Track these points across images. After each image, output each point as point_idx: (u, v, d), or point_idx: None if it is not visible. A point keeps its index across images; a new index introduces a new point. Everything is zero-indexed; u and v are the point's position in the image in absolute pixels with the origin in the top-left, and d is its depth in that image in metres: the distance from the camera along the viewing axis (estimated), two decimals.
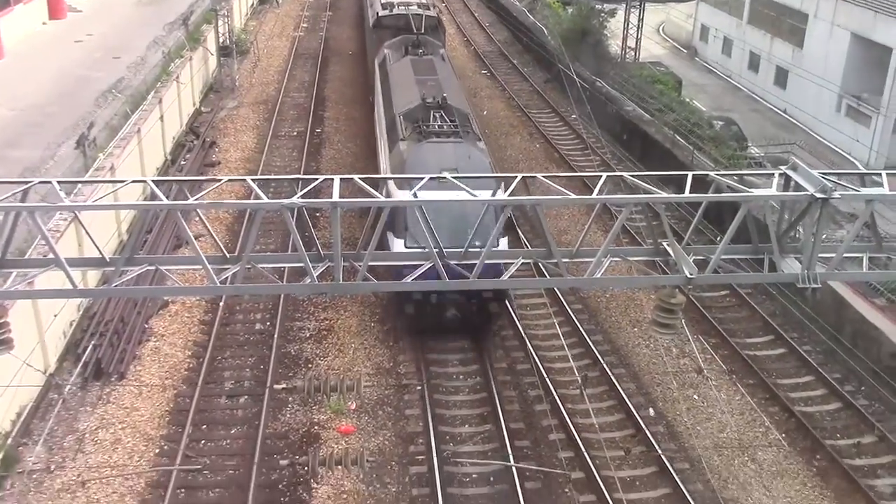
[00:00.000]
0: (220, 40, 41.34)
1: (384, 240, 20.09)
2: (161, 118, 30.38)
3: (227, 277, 8.41)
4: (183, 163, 31.51)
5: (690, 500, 16.92)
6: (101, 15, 39.37)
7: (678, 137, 31.99)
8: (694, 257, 9.16)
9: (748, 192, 9.17)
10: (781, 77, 39.04)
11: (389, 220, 18.43)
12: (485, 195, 11.26)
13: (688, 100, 36.60)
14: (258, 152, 33.70)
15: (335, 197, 8.15)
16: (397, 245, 19.50)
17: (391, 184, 17.93)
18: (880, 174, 9.82)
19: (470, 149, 21.75)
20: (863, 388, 20.83)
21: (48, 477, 16.92)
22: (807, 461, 18.43)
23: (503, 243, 19.27)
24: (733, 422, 19.57)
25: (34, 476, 16.87)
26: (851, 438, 19.12)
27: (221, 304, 22.90)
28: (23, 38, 33.79)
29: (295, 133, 36.11)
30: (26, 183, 8.26)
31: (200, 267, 8.59)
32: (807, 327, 22.89)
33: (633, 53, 41.19)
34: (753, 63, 41.73)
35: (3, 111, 26.76)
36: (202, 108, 37.64)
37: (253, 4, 56.71)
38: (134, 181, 8.28)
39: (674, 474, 17.62)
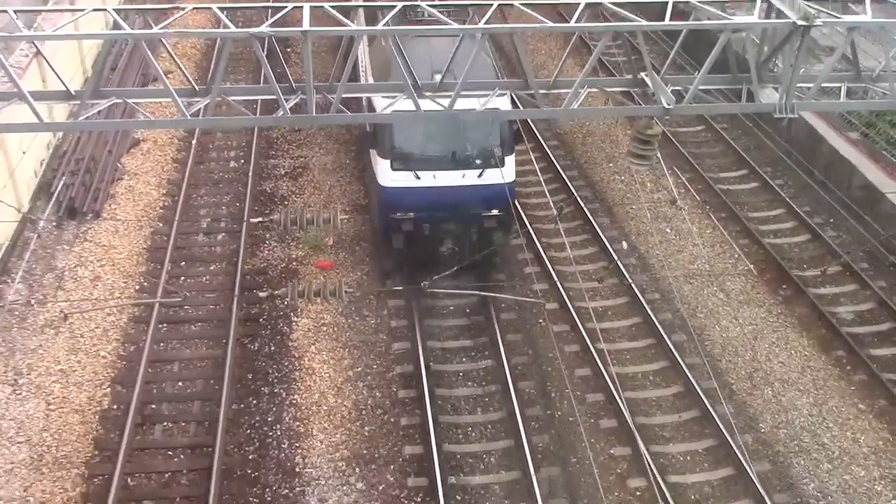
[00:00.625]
0: None
1: (367, 156, 18.67)
2: None
3: (197, 110, 8.23)
4: None
5: (660, 328, 17.50)
6: None
7: None
8: (672, 88, 9.05)
9: (729, 19, 8.95)
10: None
11: (373, 137, 17.41)
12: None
13: None
14: None
15: (305, 25, 7.88)
16: (382, 166, 17.15)
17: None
18: (863, 1, 9.60)
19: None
20: (832, 220, 21.24)
21: (31, 313, 17.15)
22: (773, 290, 19.00)
23: (510, 162, 17.39)
24: (704, 253, 20.00)
25: (16, 312, 17.09)
26: (817, 269, 19.66)
27: (194, 141, 22.63)
28: None
29: None
30: None
31: (170, 100, 8.39)
32: (780, 162, 23.05)
33: None
34: None
35: None
36: None
37: None
38: (95, 10, 7.93)
39: (644, 304, 18.14)
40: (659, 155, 9.94)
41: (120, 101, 8.46)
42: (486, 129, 16.86)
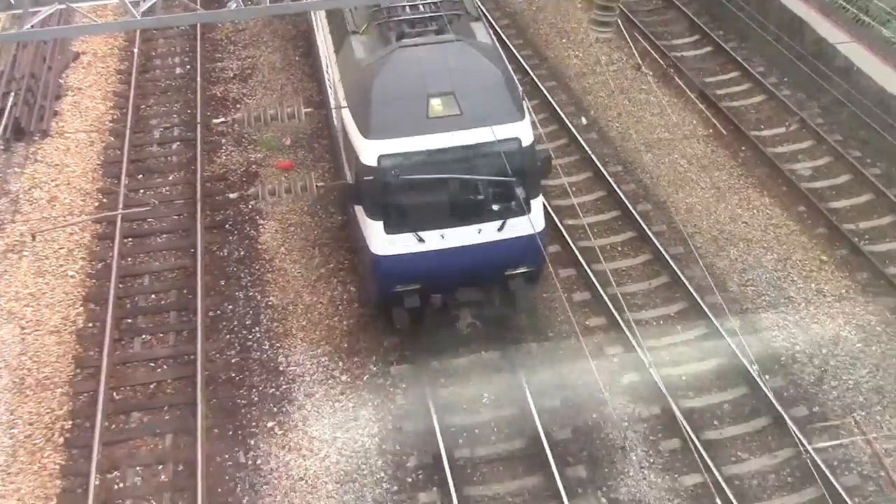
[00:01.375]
0: None
1: (350, 210, 14.51)
2: None
3: (147, 9, 7.91)
4: None
5: (624, 198, 17.67)
6: None
7: None
8: None
9: None
10: None
11: (356, 191, 13.40)
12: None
13: None
14: None
15: None
16: (373, 229, 13.22)
17: (347, 118, 13.19)
18: None
19: (469, 51, 13.76)
20: (786, 78, 21.34)
21: None
22: (733, 153, 19.21)
23: (537, 206, 13.56)
24: (663, 122, 20.07)
25: None
26: (774, 128, 19.85)
27: (136, 49, 21.87)
28: None
29: None
30: None
31: (111, 2, 8.05)
32: (732, 24, 22.93)
33: None
34: None
35: None
36: None
37: None
38: None
39: (608, 177, 18.25)
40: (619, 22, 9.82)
41: (63, 6, 8.08)
42: (504, 163, 12.71)
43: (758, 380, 14.04)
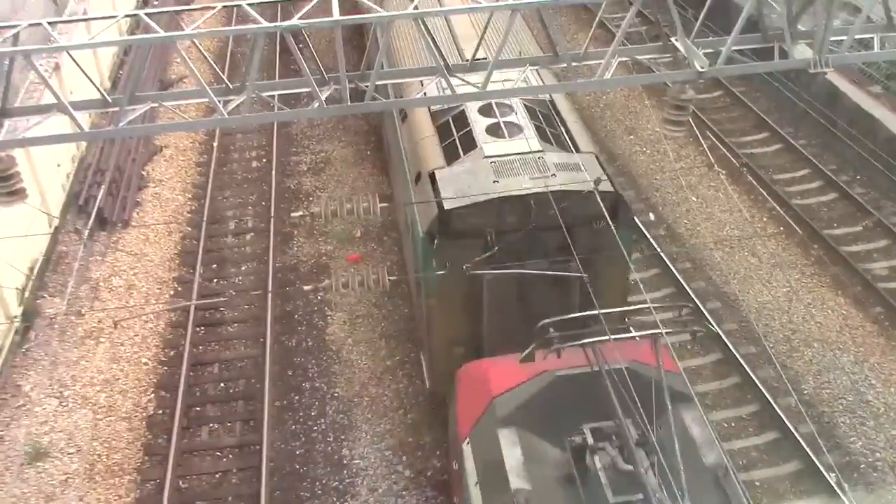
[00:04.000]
0: None
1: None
2: None
3: (233, 108, 8.28)
4: (156, 2, 30.30)
5: (693, 296, 17.45)
6: None
7: None
8: (703, 51, 8.99)
9: None
10: None
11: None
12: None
13: None
14: None
15: (335, 15, 7.90)
16: None
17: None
18: None
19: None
20: (858, 177, 21.08)
21: (70, 325, 17.32)
22: (804, 251, 18.90)
23: None
24: (732, 219, 19.92)
25: (56, 325, 17.25)
26: (848, 227, 19.53)
27: (216, 143, 22.72)
28: None
29: None
30: (13, 27, 7.95)
31: (205, 100, 8.43)
32: (802, 121, 22.87)
33: None
34: None
35: None
36: None
37: None
38: (125, 16, 7.98)
39: (676, 274, 18.08)
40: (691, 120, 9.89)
41: (156, 104, 8.50)
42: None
43: (835, 488, 13.48)
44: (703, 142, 21.02)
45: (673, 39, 8.95)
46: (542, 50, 15.45)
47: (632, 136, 23.14)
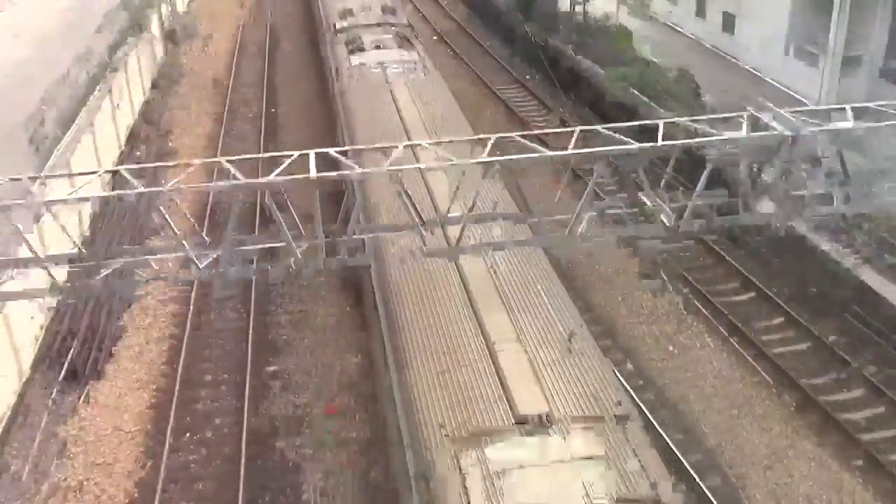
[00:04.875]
0: (165, 24, 40.73)
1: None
2: (113, 108, 29.82)
3: (209, 262, 8.34)
4: (139, 153, 30.99)
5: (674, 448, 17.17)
6: (38, 5, 38.27)
7: (634, 91, 32.08)
8: (670, 205, 9.25)
9: (718, 135, 9.26)
10: (729, 23, 39.27)
11: None
12: None
13: (638, 51, 36.74)
14: (215, 138, 33.27)
15: (313, 173, 8.10)
16: None
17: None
18: (844, 109, 9.97)
19: None
20: (833, 325, 21.19)
21: (34, 483, 16.71)
22: (784, 402, 18.79)
23: None
24: (713, 369, 19.87)
25: (19, 484, 16.64)
26: (825, 376, 19.49)
27: (193, 294, 22.68)
28: None
29: (251, 114, 35.68)
30: None
31: (181, 255, 8.51)
32: (771, 269, 23.14)
33: (583, 9, 41.19)
34: (700, 10, 41.92)
35: None
36: (153, 96, 36.97)
37: None
38: (107, 171, 8.15)
39: (655, 424, 17.88)
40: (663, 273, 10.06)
41: (132, 258, 8.56)
42: None
43: None
44: (678, 293, 21.38)
45: (640, 195, 9.22)
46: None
47: (608, 285, 23.29)
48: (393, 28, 27.95)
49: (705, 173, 8.91)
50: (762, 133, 9.17)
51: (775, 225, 9.36)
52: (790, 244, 22.62)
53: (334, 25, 28.74)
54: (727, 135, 9.23)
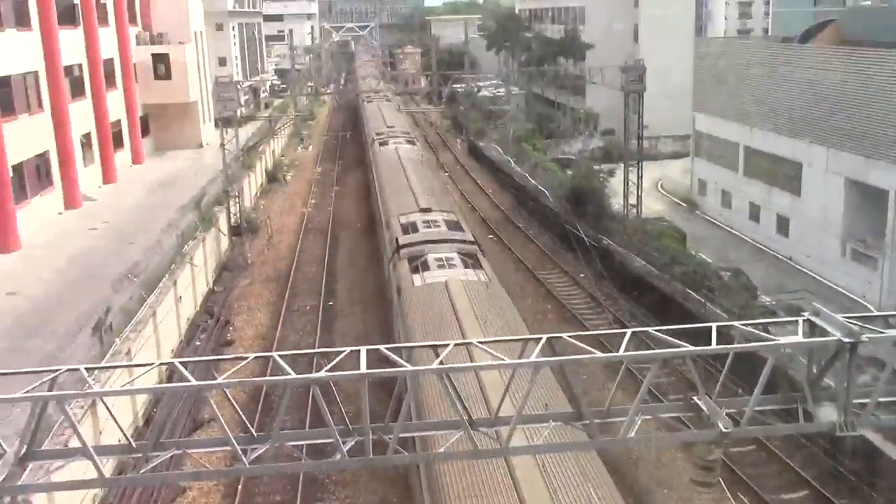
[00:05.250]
0: (232, 220, 42.68)
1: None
2: (176, 300, 30.77)
3: (256, 457, 8.28)
4: (198, 343, 31.62)
5: None
6: (115, 202, 40.58)
7: (689, 290, 32.13)
8: (726, 410, 9.01)
9: (774, 340, 9.12)
10: (783, 225, 39.69)
11: None
12: None
13: (693, 252, 37.10)
14: (272, 328, 33.87)
15: (363, 368, 8.15)
16: None
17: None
18: None
19: None
20: None
21: None
22: None
23: None
24: None
25: None
26: None
27: (240, 486, 22.36)
28: (39, 228, 34.66)
29: (308, 307, 36.42)
30: (52, 372, 8.27)
31: (228, 448, 8.46)
32: (841, 478, 22.12)
33: (636, 210, 41.98)
34: (754, 213, 42.52)
35: (20, 301, 27.11)
36: (216, 288, 38.17)
37: (262, 184, 58.68)
38: (161, 364, 8.30)
39: None
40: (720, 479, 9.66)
41: (180, 451, 8.55)
42: None
43: None
44: (742, 498, 20.39)
45: (695, 398, 9.02)
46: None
47: (666, 490, 22.42)
48: (458, 245, 25.78)
49: (762, 378, 8.72)
50: (819, 339, 9.03)
51: (838, 433, 9.01)
52: (857, 444, 21.68)
53: (397, 240, 26.57)
54: (783, 340, 9.13)
